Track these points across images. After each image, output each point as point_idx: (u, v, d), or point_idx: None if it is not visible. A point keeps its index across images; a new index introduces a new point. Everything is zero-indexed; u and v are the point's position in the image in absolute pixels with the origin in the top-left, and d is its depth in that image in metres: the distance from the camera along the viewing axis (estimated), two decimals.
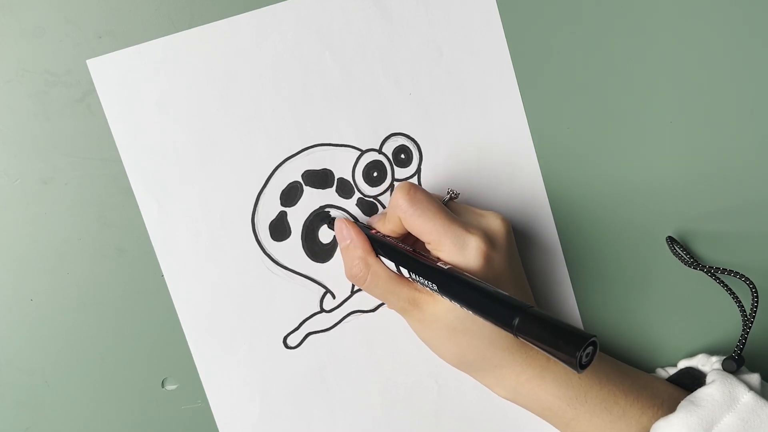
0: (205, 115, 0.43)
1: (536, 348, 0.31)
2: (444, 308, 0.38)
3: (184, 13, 0.43)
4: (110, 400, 0.44)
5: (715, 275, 0.43)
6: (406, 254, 0.39)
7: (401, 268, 0.39)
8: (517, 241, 0.44)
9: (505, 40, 0.44)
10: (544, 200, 0.45)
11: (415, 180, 0.45)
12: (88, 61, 0.42)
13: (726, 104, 0.45)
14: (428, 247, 0.39)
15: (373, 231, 0.41)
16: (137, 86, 0.43)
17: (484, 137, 0.45)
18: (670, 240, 0.44)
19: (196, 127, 0.43)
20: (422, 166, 0.45)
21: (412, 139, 0.44)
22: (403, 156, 0.44)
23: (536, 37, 0.44)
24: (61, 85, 0.42)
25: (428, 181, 0.44)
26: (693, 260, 0.44)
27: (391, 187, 0.45)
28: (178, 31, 0.43)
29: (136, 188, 0.43)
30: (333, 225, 0.43)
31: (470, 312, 0.35)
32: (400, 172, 0.44)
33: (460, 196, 0.43)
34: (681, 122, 0.45)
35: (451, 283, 0.36)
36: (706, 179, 0.45)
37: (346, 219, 0.42)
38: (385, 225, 0.41)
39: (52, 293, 0.43)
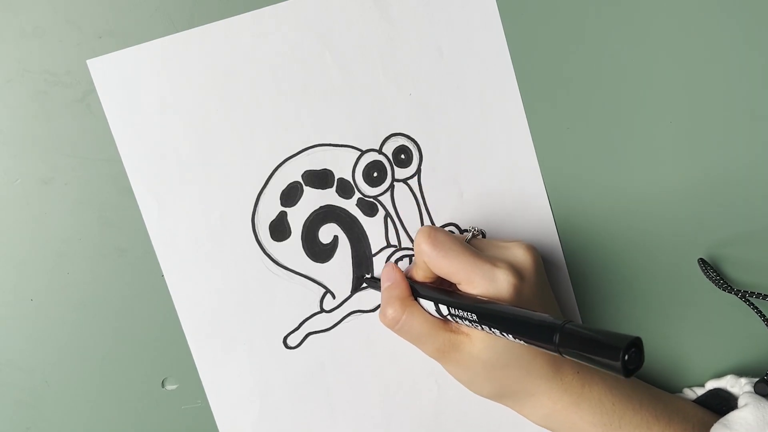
0: (205, 115, 0.43)
1: (579, 365, 0.31)
2: (481, 346, 0.38)
3: (184, 13, 0.43)
4: (110, 400, 0.44)
5: (745, 298, 0.43)
6: (444, 290, 0.39)
7: (440, 306, 0.39)
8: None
9: (505, 40, 0.44)
10: (544, 200, 0.45)
11: (415, 180, 0.45)
12: (88, 61, 0.42)
13: (726, 104, 0.45)
14: (459, 286, 0.39)
15: (410, 280, 0.42)
16: (137, 86, 0.43)
17: (484, 137, 0.45)
18: (702, 262, 0.44)
19: (196, 127, 0.43)
20: (422, 166, 0.45)
21: (412, 139, 0.44)
22: (403, 156, 0.44)
23: (536, 37, 0.44)
24: (61, 85, 0.42)
25: (428, 181, 0.44)
26: (724, 283, 0.43)
27: (391, 187, 0.45)
28: (178, 31, 0.43)
29: (136, 188, 0.43)
30: (369, 284, 0.44)
31: (508, 344, 0.35)
32: (400, 172, 0.44)
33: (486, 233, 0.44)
34: (681, 122, 0.45)
35: (490, 311, 0.36)
36: (710, 184, 0.45)
37: (394, 263, 0.43)
38: (417, 273, 0.41)
39: (52, 293, 0.43)
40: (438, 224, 0.45)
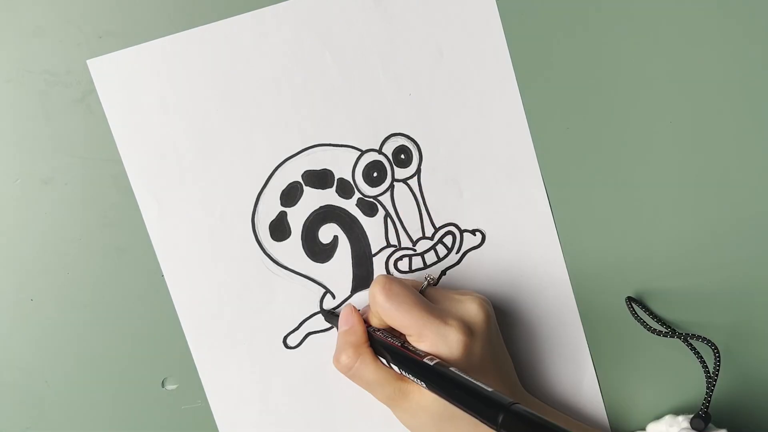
0: (205, 115, 0.43)
1: None
2: (430, 397, 0.39)
3: (184, 13, 0.43)
4: (110, 400, 0.44)
5: (682, 339, 0.43)
6: (395, 350, 0.39)
7: (392, 365, 0.39)
8: (516, 242, 0.44)
9: (505, 40, 0.44)
10: (543, 200, 0.45)
11: (414, 180, 0.45)
12: (88, 61, 0.42)
13: (726, 104, 0.45)
14: (410, 339, 0.40)
15: (366, 325, 0.42)
16: (137, 86, 0.43)
17: (484, 137, 0.45)
18: (630, 300, 0.45)
19: (197, 127, 0.43)
20: (422, 166, 0.45)
21: (412, 139, 0.44)
22: (403, 156, 0.44)
23: (536, 38, 0.44)
24: (61, 85, 0.42)
25: (428, 181, 0.44)
26: (656, 322, 0.44)
27: (391, 187, 0.45)
28: (178, 31, 0.43)
29: (136, 188, 0.43)
30: (327, 317, 0.44)
31: None
32: (400, 172, 0.45)
33: (440, 281, 0.44)
34: (681, 122, 0.45)
35: (438, 380, 0.36)
36: (711, 184, 0.45)
37: (354, 306, 0.43)
38: (372, 319, 0.42)
39: (52, 293, 0.43)
40: (438, 224, 0.45)
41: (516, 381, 0.44)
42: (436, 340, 0.38)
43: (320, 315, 0.45)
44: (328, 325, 0.45)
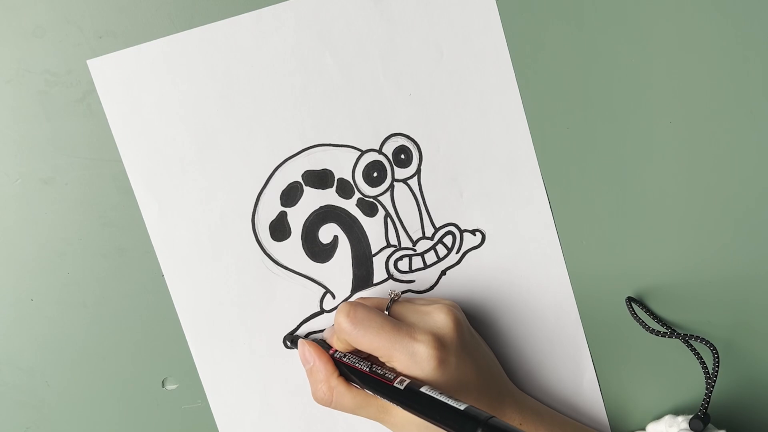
0: (205, 115, 0.43)
1: (518, 420, 0.32)
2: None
3: (184, 13, 0.43)
4: (110, 400, 0.44)
5: (681, 339, 0.43)
6: (365, 375, 0.39)
7: (365, 389, 0.39)
8: (516, 242, 0.44)
9: (505, 40, 0.44)
10: (543, 200, 0.45)
11: (414, 180, 0.45)
12: (88, 61, 0.42)
13: (726, 104, 0.45)
14: (381, 360, 0.39)
15: (332, 350, 0.42)
16: (137, 86, 0.43)
17: (484, 137, 0.45)
18: (629, 301, 0.45)
19: (196, 127, 0.43)
20: (422, 166, 0.45)
21: (412, 139, 0.44)
22: (403, 156, 0.44)
23: (536, 38, 0.44)
24: (61, 85, 0.42)
25: (428, 181, 0.44)
26: (656, 322, 0.44)
27: (391, 187, 0.45)
28: (178, 31, 0.43)
29: (136, 188, 0.43)
30: (293, 344, 0.44)
31: None
32: (400, 173, 0.45)
33: (401, 296, 0.44)
34: (681, 122, 0.45)
35: (411, 403, 0.36)
36: (711, 184, 0.45)
37: (308, 341, 0.42)
38: (338, 344, 0.41)
39: (52, 293, 0.43)
40: (438, 224, 0.45)
41: (505, 380, 0.43)
42: (405, 360, 0.38)
43: (320, 315, 0.45)
44: (328, 325, 0.45)
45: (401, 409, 0.38)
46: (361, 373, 0.39)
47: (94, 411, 0.44)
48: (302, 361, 0.42)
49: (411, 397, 0.36)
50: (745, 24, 0.44)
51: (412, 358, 0.38)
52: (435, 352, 0.38)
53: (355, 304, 0.40)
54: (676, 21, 0.44)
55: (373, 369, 0.39)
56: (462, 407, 0.34)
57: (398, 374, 0.38)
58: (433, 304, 0.41)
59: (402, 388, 0.37)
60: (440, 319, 0.40)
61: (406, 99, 0.44)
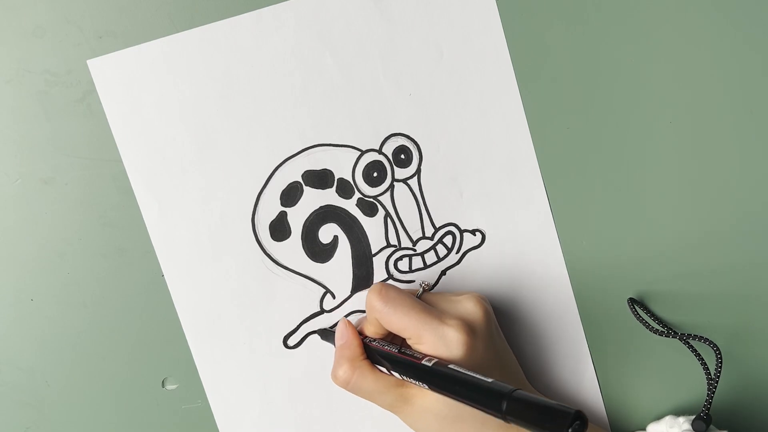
0: (205, 115, 0.43)
1: (527, 429, 0.32)
2: (433, 399, 0.39)
3: (184, 13, 0.43)
4: (110, 400, 0.44)
5: (683, 340, 0.43)
6: (393, 356, 0.39)
7: (392, 372, 0.40)
8: (516, 242, 0.44)
9: (505, 40, 0.44)
10: (543, 200, 0.45)
11: (414, 180, 0.45)
12: (88, 61, 0.42)
13: (726, 104, 0.45)
14: (409, 342, 0.40)
15: (362, 336, 0.42)
16: (137, 86, 0.43)
17: (484, 137, 0.45)
18: (632, 302, 0.45)
19: (196, 127, 0.43)
20: (422, 166, 0.45)
21: (412, 139, 0.44)
22: (403, 156, 0.44)
23: (536, 38, 0.44)
24: (61, 85, 0.42)
25: (428, 181, 0.44)
26: (657, 323, 0.44)
27: (391, 187, 0.45)
28: (178, 31, 0.43)
29: (136, 188, 0.43)
30: (324, 336, 0.44)
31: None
32: (400, 173, 0.44)
33: (434, 287, 0.44)
34: (681, 122, 0.45)
35: (438, 380, 0.37)
36: (711, 186, 0.45)
37: (348, 321, 0.42)
38: (369, 328, 0.42)
39: (52, 293, 0.43)
40: (438, 224, 0.45)
41: (523, 378, 0.44)
42: (434, 340, 0.38)
43: (320, 315, 0.45)
44: (328, 325, 0.45)
45: (421, 398, 0.39)
46: (389, 354, 0.39)
47: (94, 411, 0.44)
48: (337, 336, 0.42)
49: (438, 374, 0.37)
50: (745, 24, 0.44)
51: (442, 340, 0.38)
52: (464, 336, 0.38)
53: (386, 285, 0.40)
54: (676, 21, 0.44)
55: (402, 350, 0.39)
56: (488, 380, 0.34)
57: (425, 355, 0.38)
58: (464, 294, 0.42)
59: (430, 365, 0.37)
60: (470, 307, 0.40)
61: (406, 99, 0.44)
